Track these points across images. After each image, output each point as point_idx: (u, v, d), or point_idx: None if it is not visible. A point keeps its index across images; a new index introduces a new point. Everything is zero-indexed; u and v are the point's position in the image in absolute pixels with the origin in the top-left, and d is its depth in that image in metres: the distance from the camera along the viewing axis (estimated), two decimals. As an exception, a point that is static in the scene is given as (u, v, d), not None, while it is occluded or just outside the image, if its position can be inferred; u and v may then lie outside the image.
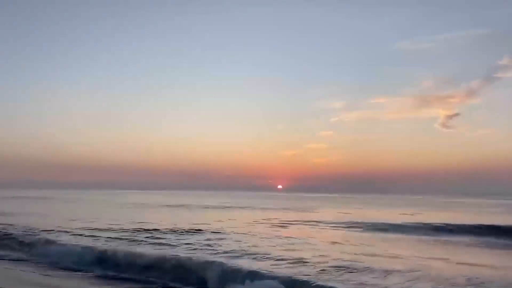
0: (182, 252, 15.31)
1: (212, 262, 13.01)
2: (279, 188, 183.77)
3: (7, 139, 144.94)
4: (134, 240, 18.50)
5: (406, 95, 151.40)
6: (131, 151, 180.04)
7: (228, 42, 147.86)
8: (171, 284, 12.46)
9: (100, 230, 22.01)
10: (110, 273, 13.83)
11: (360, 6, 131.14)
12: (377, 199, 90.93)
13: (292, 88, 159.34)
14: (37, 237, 19.28)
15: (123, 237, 19.26)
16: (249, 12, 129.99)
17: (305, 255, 14.54)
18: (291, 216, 34.69)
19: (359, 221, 28.23)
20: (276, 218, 31.01)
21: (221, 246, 16.74)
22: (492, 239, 21.33)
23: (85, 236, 19.80)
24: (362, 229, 24.76)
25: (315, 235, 21.56)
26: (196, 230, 22.03)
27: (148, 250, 15.77)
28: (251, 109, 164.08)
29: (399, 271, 12.19)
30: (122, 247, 16.32)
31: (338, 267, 12.55)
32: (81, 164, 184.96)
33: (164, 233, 20.88)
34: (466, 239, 21.50)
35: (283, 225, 26.49)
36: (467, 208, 51.49)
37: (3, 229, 21.88)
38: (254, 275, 11.49)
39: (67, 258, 15.57)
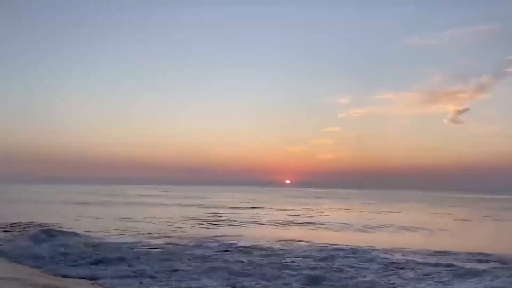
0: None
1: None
2: (286, 183, 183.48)
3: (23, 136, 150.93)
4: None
5: (414, 90, 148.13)
6: (135, 146, 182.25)
7: (235, 39, 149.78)
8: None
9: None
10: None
11: (368, 1, 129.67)
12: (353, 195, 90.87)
13: (300, 84, 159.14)
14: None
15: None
16: (255, 8, 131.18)
17: None
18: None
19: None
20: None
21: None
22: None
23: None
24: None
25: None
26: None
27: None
28: (259, 105, 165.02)
29: None
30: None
31: None
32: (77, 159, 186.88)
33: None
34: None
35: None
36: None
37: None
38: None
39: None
